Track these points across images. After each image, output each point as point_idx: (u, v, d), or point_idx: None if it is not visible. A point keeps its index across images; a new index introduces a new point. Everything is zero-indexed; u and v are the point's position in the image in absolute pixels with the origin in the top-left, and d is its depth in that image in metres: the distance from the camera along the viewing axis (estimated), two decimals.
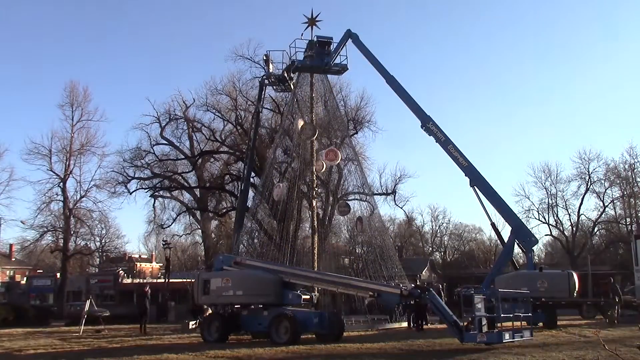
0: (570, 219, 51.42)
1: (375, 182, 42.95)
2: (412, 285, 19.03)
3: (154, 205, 42.86)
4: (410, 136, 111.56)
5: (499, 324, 14.41)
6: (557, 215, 51.62)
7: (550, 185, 51.59)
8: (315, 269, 25.51)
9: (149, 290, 25.36)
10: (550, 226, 51.73)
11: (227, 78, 40.19)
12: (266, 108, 41.26)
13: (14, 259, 60.84)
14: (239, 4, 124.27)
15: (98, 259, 59.51)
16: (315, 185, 27.99)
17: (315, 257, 25.75)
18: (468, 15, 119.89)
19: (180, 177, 43.19)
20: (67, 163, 38.11)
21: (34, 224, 37.24)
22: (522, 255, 33.03)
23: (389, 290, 15.86)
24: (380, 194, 41.97)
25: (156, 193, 41.97)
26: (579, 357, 11.72)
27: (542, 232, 52.60)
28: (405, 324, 24.09)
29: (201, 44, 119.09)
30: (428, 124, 23.17)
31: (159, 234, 45.68)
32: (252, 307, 17.49)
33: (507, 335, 13.72)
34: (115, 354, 14.39)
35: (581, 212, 50.66)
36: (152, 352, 14.34)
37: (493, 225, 23.78)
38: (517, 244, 21.96)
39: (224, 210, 45.05)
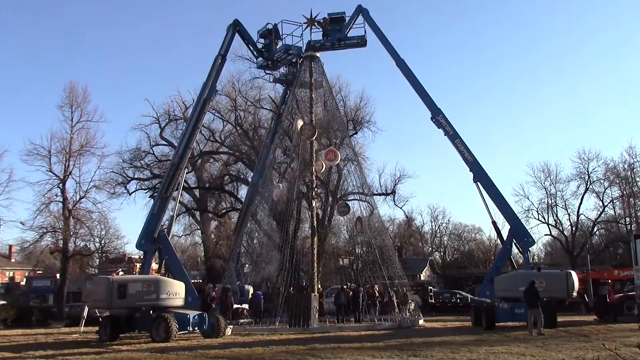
0: (569, 219, 51.43)
1: (375, 183, 43.01)
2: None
3: (152, 206, 42.81)
4: (410, 136, 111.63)
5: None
6: (556, 215, 51.62)
7: (550, 185, 51.58)
8: (315, 269, 25.58)
9: None
10: (550, 226, 51.73)
11: (226, 78, 40.23)
12: (265, 108, 41.39)
13: (13, 260, 60.78)
14: (238, 4, 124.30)
15: (98, 260, 59.41)
16: (314, 186, 27.99)
17: (315, 258, 25.76)
18: (467, 16, 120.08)
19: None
20: (67, 164, 37.95)
21: (34, 225, 37.06)
22: (521, 255, 33.08)
23: None
24: (379, 194, 42.03)
25: (156, 194, 41.97)
26: (579, 357, 11.73)
27: (541, 232, 52.78)
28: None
29: (201, 44, 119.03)
30: (438, 117, 23.80)
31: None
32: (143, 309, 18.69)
33: None
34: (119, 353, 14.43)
35: (581, 211, 50.65)
36: (155, 350, 14.40)
37: (494, 223, 23.91)
38: (515, 244, 22.05)
39: (224, 211, 45.04)
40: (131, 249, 52.09)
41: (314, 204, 27.30)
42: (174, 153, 24.86)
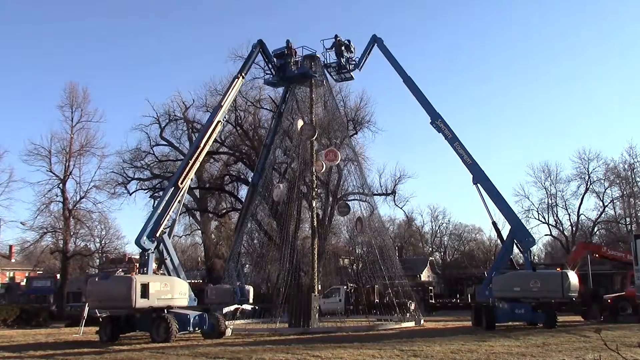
0: (570, 219, 51.51)
1: (375, 183, 43.08)
2: None
3: (153, 206, 42.82)
4: (411, 136, 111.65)
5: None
6: (556, 215, 51.71)
7: (550, 185, 51.69)
8: (315, 269, 25.61)
9: None
10: (550, 226, 51.80)
11: (226, 79, 40.18)
12: (265, 108, 41.42)
13: (13, 260, 60.80)
14: (238, 5, 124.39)
15: (98, 260, 59.46)
16: (315, 186, 28.01)
17: (315, 258, 25.78)
18: (466, 16, 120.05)
19: None
20: (67, 164, 37.99)
21: (34, 225, 37.13)
22: (522, 255, 33.10)
23: None
24: (380, 194, 42.10)
25: (156, 194, 41.98)
26: (579, 357, 11.72)
27: (542, 232, 52.75)
28: None
29: (201, 44, 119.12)
30: (437, 121, 24.23)
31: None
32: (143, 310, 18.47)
33: None
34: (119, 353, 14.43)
35: (581, 212, 50.76)
36: (155, 350, 14.40)
37: (494, 224, 23.96)
38: (516, 244, 22.09)
39: (224, 211, 45.04)
40: (131, 249, 52.10)
41: (314, 204, 27.31)
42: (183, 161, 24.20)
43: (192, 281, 31.00)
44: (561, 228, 51.59)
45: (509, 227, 22.62)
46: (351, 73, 28.12)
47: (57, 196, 37.68)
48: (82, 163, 38.87)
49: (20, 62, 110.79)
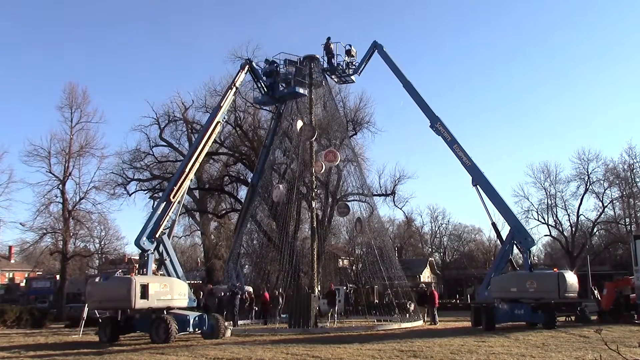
0: (569, 220, 51.48)
1: (375, 183, 43.03)
2: None
3: (153, 206, 42.78)
4: (410, 137, 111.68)
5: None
6: (556, 216, 51.67)
7: (550, 185, 51.66)
8: (315, 270, 25.61)
9: None
10: (550, 226, 51.76)
11: (226, 79, 40.23)
12: (265, 109, 41.37)
13: (13, 261, 60.78)
14: (238, 5, 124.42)
15: (97, 261, 59.46)
16: (314, 187, 28.00)
17: (315, 258, 25.78)
18: (469, 20, 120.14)
19: None
20: (66, 165, 37.99)
21: (33, 226, 37.12)
22: (521, 255, 33.10)
23: None
24: (379, 195, 42.04)
25: (155, 194, 41.95)
26: (579, 358, 11.72)
27: (541, 233, 52.71)
28: None
29: (200, 44, 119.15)
30: (436, 124, 24.44)
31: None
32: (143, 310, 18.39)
33: None
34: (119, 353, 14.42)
35: (580, 212, 50.71)
36: (154, 351, 14.40)
37: (494, 225, 23.98)
38: (515, 244, 22.13)
39: (223, 212, 45.01)
40: (131, 250, 52.13)
41: (313, 205, 27.31)
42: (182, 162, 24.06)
43: (192, 282, 30.98)
44: (561, 228, 51.58)
45: (509, 227, 22.67)
46: (352, 77, 28.20)
47: (56, 197, 37.71)
48: (82, 164, 38.93)
49: (20, 63, 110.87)
